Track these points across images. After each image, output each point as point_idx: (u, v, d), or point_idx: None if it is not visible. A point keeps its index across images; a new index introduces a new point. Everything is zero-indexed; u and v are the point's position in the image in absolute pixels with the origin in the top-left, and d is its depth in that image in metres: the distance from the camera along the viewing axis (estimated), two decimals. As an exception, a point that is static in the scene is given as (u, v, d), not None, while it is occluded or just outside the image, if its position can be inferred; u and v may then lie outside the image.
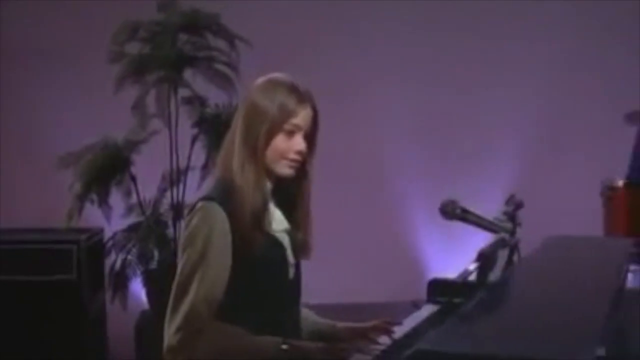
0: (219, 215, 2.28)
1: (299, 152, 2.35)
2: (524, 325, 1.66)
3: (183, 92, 4.96)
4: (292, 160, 2.35)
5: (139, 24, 4.92)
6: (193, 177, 4.89)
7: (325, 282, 5.61)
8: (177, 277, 2.30)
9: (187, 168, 4.91)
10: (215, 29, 5.01)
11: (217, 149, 4.81)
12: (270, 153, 2.34)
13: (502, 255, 2.52)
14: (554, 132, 6.12)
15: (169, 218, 4.97)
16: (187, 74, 4.99)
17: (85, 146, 4.84)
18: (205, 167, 4.88)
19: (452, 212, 2.39)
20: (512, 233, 3.02)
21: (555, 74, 6.17)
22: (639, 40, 6.20)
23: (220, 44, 5.04)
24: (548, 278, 2.17)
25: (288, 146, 2.34)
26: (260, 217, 2.32)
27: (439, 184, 6.18)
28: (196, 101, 4.94)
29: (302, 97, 2.36)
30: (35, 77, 5.62)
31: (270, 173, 2.37)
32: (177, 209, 4.90)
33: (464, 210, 2.39)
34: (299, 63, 5.93)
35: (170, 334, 2.25)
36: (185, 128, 4.95)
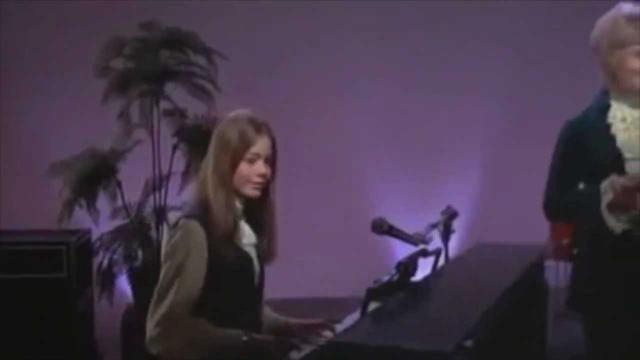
0: (198, 232, 2.67)
1: (261, 176, 2.75)
2: (417, 321, 2.08)
3: (165, 104, 5.19)
4: (256, 183, 2.76)
5: (124, 40, 5.18)
6: (174, 183, 5.17)
7: (296, 278, 5.98)
8: (159, 282, 2.70)
9: (169, 174, 5.16)
10: (194, 45, 5.26)
11: (196, 157, 5.09)
12: (236, 178, 2.75)
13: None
14: (516, 133, 6.38)
15: (152, 220, 5.20)
16: (169, 87, 5.21)
17: (74, 155, 5.08)
18: (186, 174, 5.14)
19: (381, 228, 2.80)
20: (446, 239, 3.43)
21: (518, 77, 6.42)
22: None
23: (199, 59, 5.28)
24: (455, 281, 2.59)
25: (251, 172, 2.74)
26: (231, 234, 2.72)
27: (407, 181, 6.54)
28: (177, 113, 5.19)
29: (260, 128, 2.76)
30: (30, 90, 5.91)
31: (239, 195, 2.78)
32: (160, 212, 5.16)
33: (390, 227, 2.79)
34: (274, 73, 6.32)
35: (151, 327, 2.66)
36: (167, 137, 5.19)
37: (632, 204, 2.88)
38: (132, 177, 5.21)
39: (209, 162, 2.77)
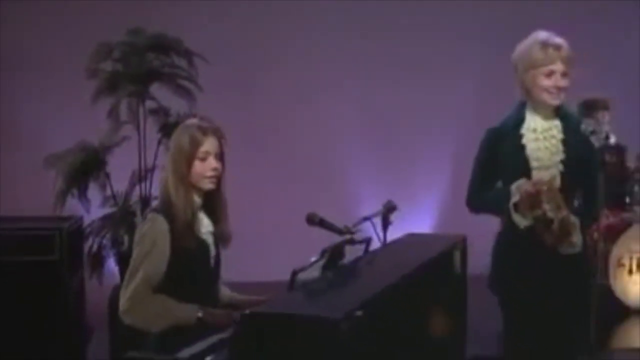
0: (162, 224, 3.20)
1: (214, 169, 3.27)
2: (326, 294, 2.59)
3: (150, 104, 5.61)
4: (210, 177, 3.28)
5: (112, 45, 5.60)
6: (158, 174, 5.34)
7: (276, 262, 6.42)
8: (130, 265, 3.23)
9: (153, 167, 5.53)
10: (177, 49, 5.68)
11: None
12: (193, 176, 3.26)
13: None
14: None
15: (137, 208, 5.54)
16: (154, 87, 5.61)
17: (67, 149, 5.50)
18: (168, 167, 5.61)
19: (313, 221, 3.32)
20: (385, 229, 3.92)
21: (491, 74, 6.77)
22: (572, 38, 6.91)
23: (182, 62, 5.69)
24: (375, 263, 3.09)
25: (204, 167, 3.26)
26: (191, 224, 3.24)
27: (380, 175, 6.97)
28: (161, 111, 5.62)
29: (206, 130, 3.28)
30: (28, 90, 6.41)
31: (198, 190, 3.29)
32: (145, 201, 5.54)
33: (321, 220, 3.31)
34: (253, 76, 6.78)
35: (122, 302, 3.20)
36: (152, 133, 5.59)
37: (538, 205, 3.38)
38: (120, 169, 5.63)
39: (168, 167, 3.29)
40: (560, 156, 3.49)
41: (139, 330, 3.19)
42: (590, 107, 5.92)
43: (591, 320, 3.22)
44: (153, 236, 3.18)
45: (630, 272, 5.67)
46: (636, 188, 5.82)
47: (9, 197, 6.11)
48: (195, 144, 3.24)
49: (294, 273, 2.80)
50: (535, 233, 3.41)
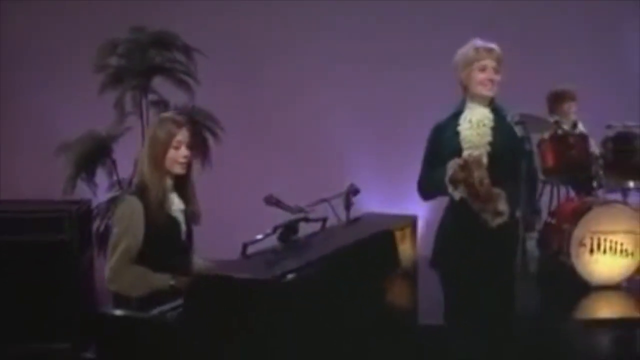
0: (137, 204, 3.71)
1: (185, 157, 3.78)
2: (269, 262, 3.06)
3: (152, 96, 6.04)
4: (182, 163, 3.79)
5: (117, 41, 6.06)
6: None
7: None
8: (111, 241, 3.76)
9: None
10: (177, 45, 6.13)
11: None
12: (167, 162, 3.77)
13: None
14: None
15: None
16: (156, 81, 6.06)
17: (77, 138, 5.96)
18: (168, 154, 6.04)
19: (270, 201, 3.79)
20: (347, 209, 4.39)
21: None
22: (568, 34, 7.18)
23: (182, 57, 6.12)
24: (324, 238, 3.55)
25: (177, 155, 3.77)
26: (162, 204, 3.75)
27: (376, 166, 7.34)
28: (161, 103, 6.03)
29: (180, 123, 3.79)
30: (40, 83, 6.90)
31: (170, 174, 3.79)
32: None
33: (277, 200, 3.78)
34: (249, 70, 7.19)
35: (107, 272, 3.75)
36: None
37: (469, 175, 3.84)
38: (125, 156, 5.98)
39: (144, 154, 3.79)
40: (488, 139, 3.98)
41: (122, 295, 3.70)
42: (558, 98, 6.33)
43: (515, 290, 3.65)
44: (129, 215, 3.69)
45: (592, 251, 6.09)
46: (600, 173, 6.21)
47: (24, 181, 6.62)
48: (171, 135, 3.75)
49: (244, 245, 3.27)
50: (469, 206, 3.86)
